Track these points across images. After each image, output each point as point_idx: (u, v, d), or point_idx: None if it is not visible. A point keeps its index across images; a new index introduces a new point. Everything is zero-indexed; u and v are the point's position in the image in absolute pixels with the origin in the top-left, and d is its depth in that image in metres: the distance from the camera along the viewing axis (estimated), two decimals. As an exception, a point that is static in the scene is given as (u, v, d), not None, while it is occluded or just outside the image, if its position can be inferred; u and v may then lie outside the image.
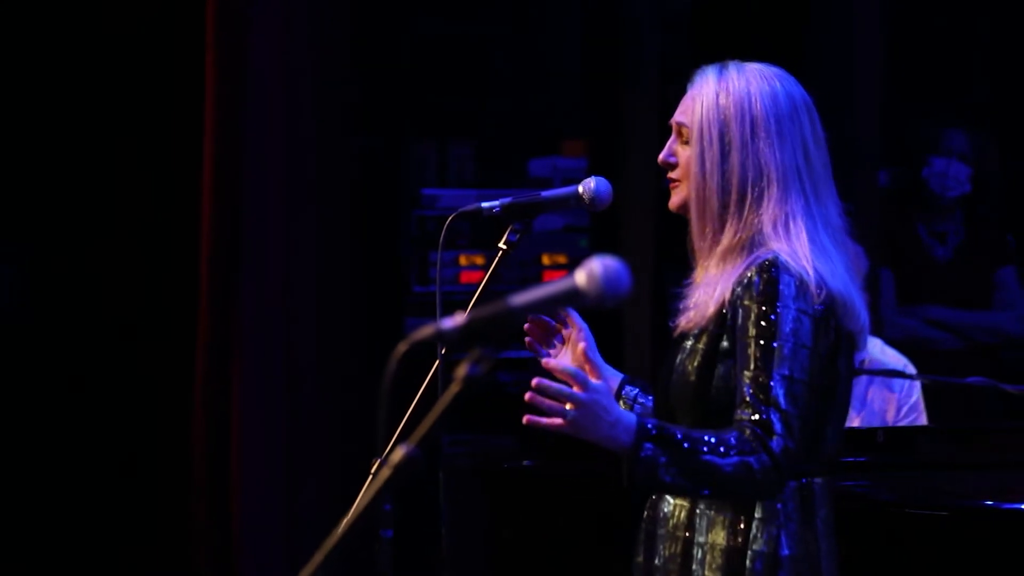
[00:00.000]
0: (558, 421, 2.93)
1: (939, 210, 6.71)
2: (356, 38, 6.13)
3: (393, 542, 3.18)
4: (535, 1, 7.63)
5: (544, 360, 3.03)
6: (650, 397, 3.40)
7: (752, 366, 3.03)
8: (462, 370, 2.21)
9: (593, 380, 2.97)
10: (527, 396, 2.93)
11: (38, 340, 6.06)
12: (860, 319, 3.15)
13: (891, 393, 5.20)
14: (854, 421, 5.13)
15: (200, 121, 5.79)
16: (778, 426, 2.99)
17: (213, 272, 5.78)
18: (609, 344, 6.45)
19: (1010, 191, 7.63)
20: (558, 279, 2.24)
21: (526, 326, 3.36)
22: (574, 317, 3.36)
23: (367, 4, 6.24)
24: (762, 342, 3.03)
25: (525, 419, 2.94)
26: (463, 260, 6.75)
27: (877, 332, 6.43)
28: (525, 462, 4.59)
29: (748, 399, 3.01)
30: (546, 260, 6.81)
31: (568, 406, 2.92)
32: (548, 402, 2.93)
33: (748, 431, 2.99)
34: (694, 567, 3.16)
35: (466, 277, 6.69)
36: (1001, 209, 7.40)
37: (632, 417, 2.98)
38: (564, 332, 3.37)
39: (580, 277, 2.24)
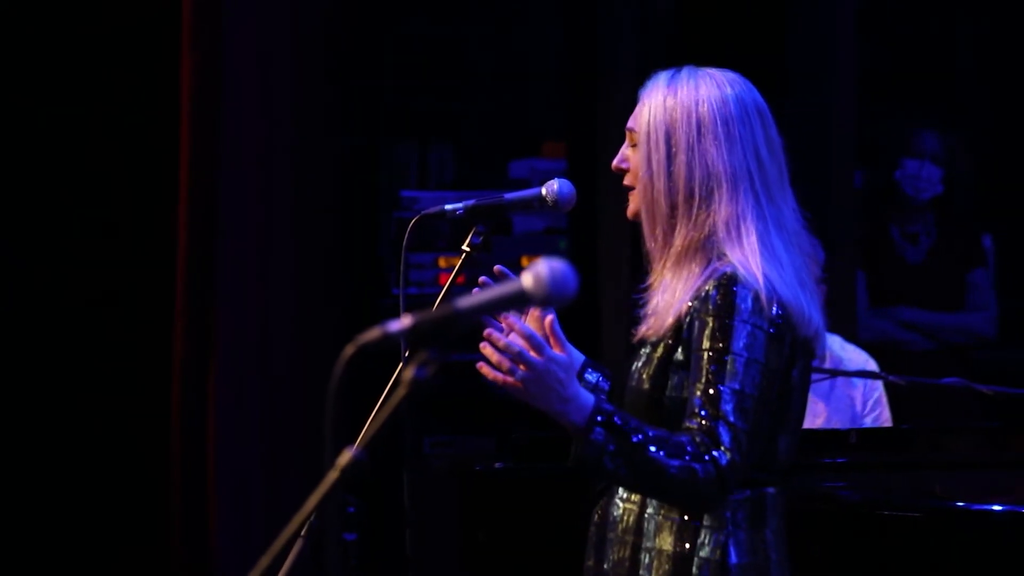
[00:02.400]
0: (508, 379, 2.91)
1: (912, 212, 6.71)
2: (335, 39, 6.13)
3: (358, 544, 3.18)
4: (515, 3, 7.64)
5: (504, 317, 2.99)
6: (610, 385, 3.40)
7: (704, 379, 3.02)
8: (409, 373, 2.21)
9: (555, 351, 2.95)
10: (480, 345, 2.91)
11: (15, 341, 6.06)
12: (812, 324, 3.13)
13: (855, 387, 5.21)
14: (820, 415, 5.15)
15: (177, 123, 5.78)
16: (726, 439, 2.97)
17: (189, 274, 5.78)
18: (586, 348, 6.48)
19: (983, 192, 7.66)
20: (505, 282, 2.24)
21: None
22: None
23: (346, 5, 6.24)
24: (715, 356, 3.02)
25: (478, 365, 2.92)
26: (442, 262, 6.75)
27: (850, 333, 6.45)
28: (497, 464, 4.59)
29: (697, 410, 3.00)
30: (525, 262, 6.81)
31: (521, 367, 2.91)
32: (498, 355, 2.91)
33: (697, 439, 2.98)
34: (641, 572, 3.14)
35: (445, 279, 6.69)
36: (974, 210, 7.42)
37: (591, 398, 2.96)
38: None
39: (527, 279, 2.24)
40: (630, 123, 3.23)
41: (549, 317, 3.14)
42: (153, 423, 5.88)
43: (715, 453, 2.96)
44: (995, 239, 6.88)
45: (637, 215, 3.22)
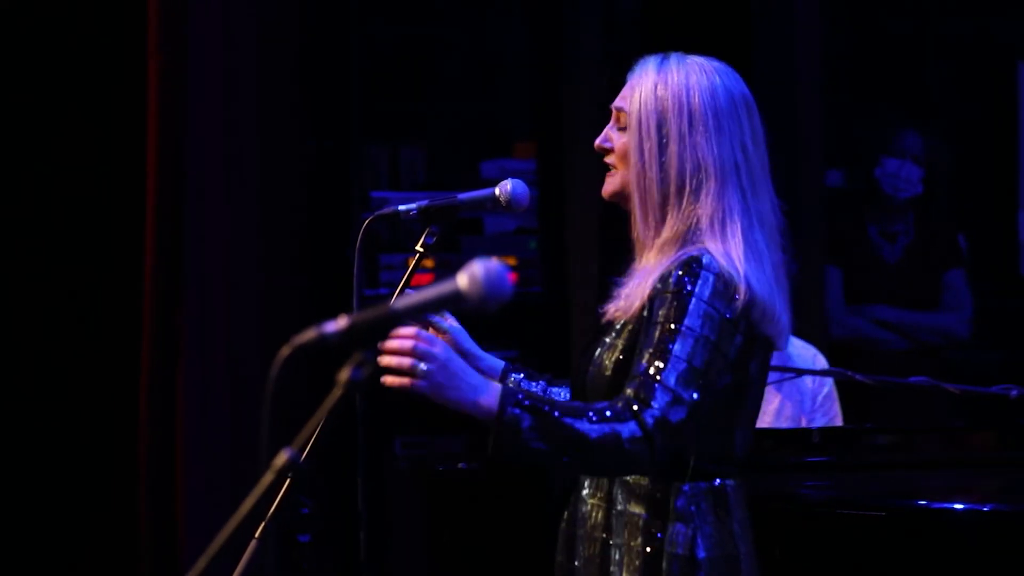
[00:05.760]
0: (416, 380, 2.89)
1: (890, 211, 6.71)
2: (304, 41, 6.13)
3: (312, 546, 3.19)
4: (484, 4, 7.65)
5: (390, 333, 2.93)
6: (534, 383, 3.42)
7: (652, 348, 3.02)
8: (344, 374, 2.22)
9: (442, 344, 2.92)
10: (380, 359, 2.87)
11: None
12: (779, 323, 3.14)
13: (804, 381, 5.22)
14: (771, 406, 5.15)
15: (143, 126, 5.77)
16: (659, 400, 2.96)
17: (156, 277, 5.76)
18: (558, 347, 6.49)
19: (961, 193, 7.67)
20: (439, 282, 2.25)
21: None
22: (436, 320, 3.37)
23: (315, 6, 6.24)
24: (667, 327, 3.03)
25: (384, 379, 2.89)
26: (411, 263, 6.72)
27: (823, 331, 6.44)
28: (461, 464, 4.59)
29: (639, 373, 3.00)
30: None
31: (422, 365, 2.88)
32: (398, 360, 2.88)
33: (622, 403, 2.97)
34: (612, 568, 3.16)
35: (414, 280, 6.66)
36: (952, 211, 7.43)
37: (498, 385, 2.96)
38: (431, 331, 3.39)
39: (462, 280, 2.24)
40: (619, 103, 3.24)
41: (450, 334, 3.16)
42: (121, 427, 5.87)
43: (643, 413, 2.95)
44: (968, 240, 6.90)
45: (615, 196, 3.24)
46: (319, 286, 6.20)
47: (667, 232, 3.14)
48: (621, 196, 3.23)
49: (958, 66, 7.84)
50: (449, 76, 7.66)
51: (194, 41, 5.76)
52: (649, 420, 2.95)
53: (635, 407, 2.96)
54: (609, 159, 3.25)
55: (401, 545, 4.90)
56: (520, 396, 2.95)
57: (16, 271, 6.00)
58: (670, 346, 3.01)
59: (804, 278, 6.22)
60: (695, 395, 3.01)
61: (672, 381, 2.99)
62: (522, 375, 3.41)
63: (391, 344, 2.89)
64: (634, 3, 6.48)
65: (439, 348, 2.91)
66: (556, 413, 2.94)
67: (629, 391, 3.00)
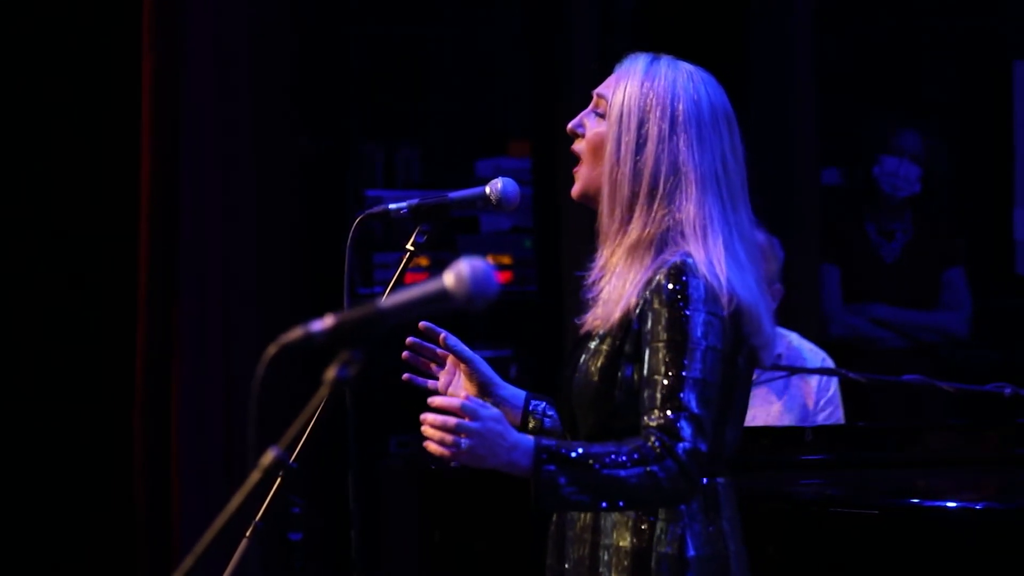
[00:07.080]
0: (455, 451, 2.95)
1: (888, 209, 6.72)
2: (300, 40, 6.13)
3: (303, 544, 3.18)
4: (480, 3, 7.65)
5: (430, 399, 3.01)
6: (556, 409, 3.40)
7: (662, 370, 3.01)
8: (330, 373, 2.21)
9: (488, 408, 2.97)
10: (424, 430, 2.95)
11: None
12: (764, 333, 3.13)
13: (809, 384, 5.20)
14: (774, 411, 5.14)
15: (137, 124, 5.78)
16: (687, 430, 2.97)
17: (152, 277, 5.77)
18: (553, 346, 6.49)
19: (957, 192, 7.67)
20: (426, 281, 2.24)
21: (405, 354, 3.37)
22: (460, 349, 3.35)
23: (311, 6, 6.24)
24: (673, 346, 3.01)
25: (427, 446, 2.96)
26: (403, 262, 6.71)
27: (822, 329, 6.44)
28: (453, 463, 4.58)
29: (658, 404, 2.99)
30: (490, 261, 6.79)
31: (463, 437, 2.93)
32: (439, 433, 2.95)
33: (653, 438, 2.97)
34: (601, 569, 3.15)
35: (410, 279, 6.66)
36: (950, 210, 7.44)
37: (529, 439, 2.97)
38: (451, 363, 3.37)
39: (448, 279, 2.23)
40: (602, 90, 3.21)
41: (469, 366, 3.24)
42: (117, 425, 5.88)
43: (675, 448, 2.96)
44: (964, 239, 6.90)
45: (582, 198, 3.23)
46: (315, 284, 6.20)
47: (635, 234, 3.11)
48: (586, 197, 3.21)
49: (955, 65, 7.84)
50: (444, 75, 7.66)
51: (189, 39, 5.76)
52: (682, 455, 2.97)
53: (665, 441, 2.97)
54: (578, 145, 3.22)
55: (393, 543, 4.90)
56: (553, 447, 2.97)
57: (11, 269, 6.00)
58: (682, 366, 3.01)
59: (801, 277, 6.25)
60: (715, 411, 3.03)
61: (694, 406, 3.00)
62: (543, 403, 3.39)
63: (434, 419, 2.94)
64: (631, 2, 6.49)
65: (478, 424, 2.94)
66: (592, 463, 2.96)
67: (653, 423, 3.00)
